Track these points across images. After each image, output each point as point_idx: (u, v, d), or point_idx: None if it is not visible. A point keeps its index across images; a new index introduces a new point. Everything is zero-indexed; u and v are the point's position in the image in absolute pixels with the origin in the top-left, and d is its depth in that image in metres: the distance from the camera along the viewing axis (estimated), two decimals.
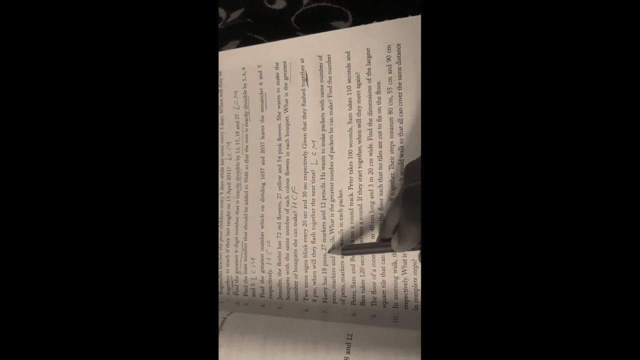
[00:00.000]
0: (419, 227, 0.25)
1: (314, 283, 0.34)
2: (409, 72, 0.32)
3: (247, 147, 0.36)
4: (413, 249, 0.27)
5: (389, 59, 0.32)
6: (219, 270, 0.37)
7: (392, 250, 0.29)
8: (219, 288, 0.37)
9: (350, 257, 0.32)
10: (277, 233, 0.35)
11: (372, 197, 0.33)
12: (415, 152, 0.32)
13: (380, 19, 0.32)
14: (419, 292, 0.31)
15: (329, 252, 0.33)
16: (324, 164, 0.34)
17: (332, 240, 0.33)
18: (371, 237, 0.33)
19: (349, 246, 0.32)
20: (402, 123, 0.32)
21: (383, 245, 0.30)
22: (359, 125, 0.33)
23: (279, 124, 0.35)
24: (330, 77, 0.34)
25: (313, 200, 0.34)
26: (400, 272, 0.32)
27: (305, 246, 0.34)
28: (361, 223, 0.33)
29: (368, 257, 0.32)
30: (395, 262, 0.32)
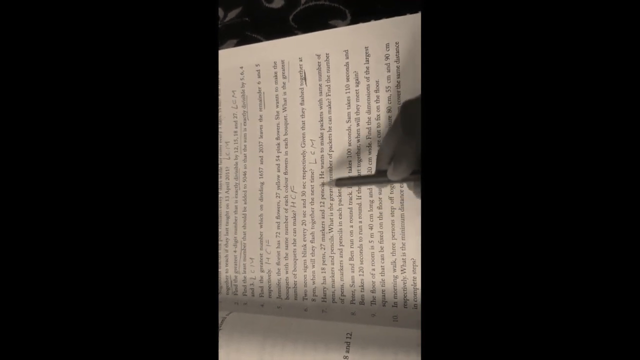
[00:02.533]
0: (414, 151, 0.24)
1: (313, 282, 0.34)
2: (408, 70, 0.32)
3: (245, 146, 0.36)
4: (407, 180, 0.26)
5: (387, 57, 0.32)
6: (218, 270, 0.37)
7: (387, 181, 0.27)
8: (218, 288, 0.37)
9: (347, 188, 0.32)
10: (276, 232, 0.35)
11: (371, 196, 0.32)
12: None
13: (378, 17, 0.32)
14: (419, 291, 0.31)
15: (324, 184, 0.33)
16: (323, 163, 0.34)
17: (331, 240, 0.33)
18: (368, 170, 0.32)
19: (342, 178, 0.31)
20: None
21: (378, 177, 0.28)
22: (358, 124, 0.33)
23: (278, 123, 0.35)
24: (328, 76, 0.34)
25: (312, 199, 0.34)
26: (399, 271, 0.32)
27: (305, 246, 0.34)
28: (360, 223, 0.33)
29: (367, 257, 0.32)
30: (395, 262, 0.32)
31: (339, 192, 0.33)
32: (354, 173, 0.33)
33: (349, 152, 0.33)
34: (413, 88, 0.31)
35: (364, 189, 0.33)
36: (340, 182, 0.31)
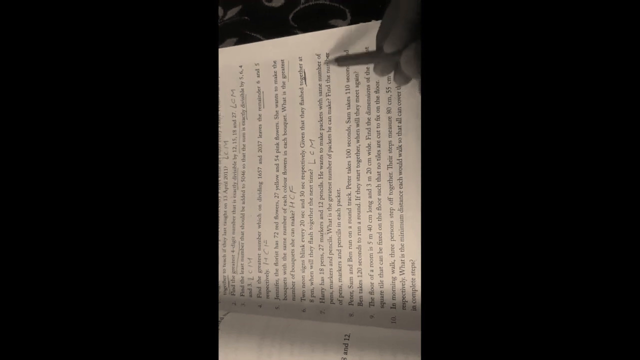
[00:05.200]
0: (413, 17, 0.24)
1: (312, 283, 0.34)
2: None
3: (244, 146, 0.36)
4: (406, 49, 0.25)
5: None
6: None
7: (386, 57, 0.27)
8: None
9: (345, 67, 0.32)
10: (275, 233, 0.35)
11: (371, 197, 0.32)
12: (414, 152, 0.31)
13: (378, 17, 0.32)
14: (417, 293, 0.31)
15: (325, 62, 0.33)
16: (322, 163, 0.34)
17: (330, 241, 0.33)
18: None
19: (343, 57, 0.31)
20: (400, 122, 0.32)
21: (377, 54, 0.28)
22: (358, 125, 0.33)
23: (277, 123, 0.35)
24: (328, 76, 0.33)
25: (311, 199, 0.34)
26: (398, 272, 0.31)
27: (303, 246, 0.34)
28: (359, 223, 0.33)
29: (366, 258, 0.32)
30: (394, 263, 0.32)
31: (338, 193, 0.33)
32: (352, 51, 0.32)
33: (348, 147, 0.33)
34: (413, 90, 0.31)
35: (364, 189, 0.32)
36: (341, 60, 0.31)
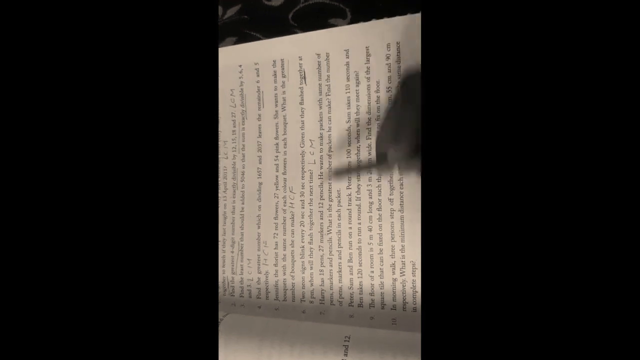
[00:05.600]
0: (414, 129, 0.23)
1: (311, 284, 0.33)
2: (409, 70, 0.31)
3: (243, 146, 0.36)
4: (408, 159, 0.25)
5: (388, 57, 0.32)
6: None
7: (387, 166, 0.27)
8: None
9: (345, 183, 0.31)
10: (274, 233, 0.35)
11: (371, 197, 0.32)
12: None
13: (379, 16, 0.32)
14: (418, 294, 0.31)
15: (322, 181, 0.32)
16: (322, 164, 0.34)
17: (330, 242, 0.33)
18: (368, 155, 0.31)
19: (340, 170, 0.31)
20: None
21: (379, 161, 0.28)
22: (358, 125, 0.33)
23: (276, 123, 0.35)
24: (328, 76, 0.33)
25: (311, 200, 0.34)
26: (398, 274, 0.31)
27: (303, 247, 0.34)
28: (359, 224, 0.32)
29: (366, 259, 0.32)
30: (394, 264, 0.31)
31: (338, 193, 0.33)
32: (353, 160, 0.32)
33: (348, 151, 0.33)
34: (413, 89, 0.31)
35: (364, 189, 0.32)
36: (339, 175, 0.30)
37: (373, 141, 0.31)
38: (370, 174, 0.32)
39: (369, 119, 0.32)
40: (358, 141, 0.33)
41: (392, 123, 0.26)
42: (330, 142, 0.33)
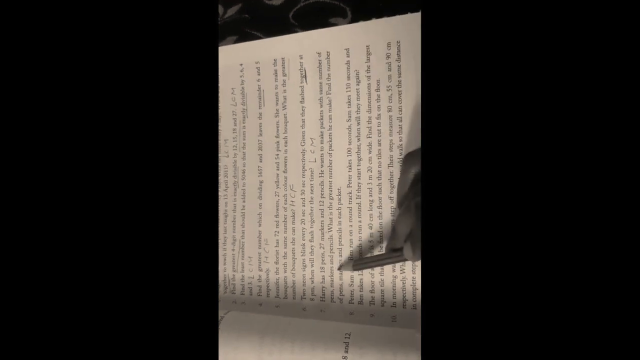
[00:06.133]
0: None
1: (312, 282, 0.33)
2: (409, 69, 0.31)
3: (244, 144, 0.36)
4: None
5: (388, 56, 0.32)
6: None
7: (404, 260, 0.28)
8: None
9: (360, 271, 0.32)
10: (275, 231, 0.35)
11: (371, 195, 0.32)
12: None
13: (379, 15, 0.32)
14: (417, 292, 0.31)
15: (339, 269, 0.33)
16: (323, 162, 0.34)
17: (330, 239, 0.33)
18: (379, 249, 0.32)
19: (359, 260, 0.32)
20: (401, 121, 0.32)
21: (395, 255, 0.29)
22: (358, 123, 0.33)
23: (277, 121, 0.35)
24: (329, 74, 0.33)
25: (311, 198, 0.34)
26: (398, 271, 0.31)
27: (303, 244, 0.34)
28: (360, 222, 0.32)
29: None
30: None
31: (338, 192, 0.33)
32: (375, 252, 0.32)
33: (349, 146, 0.33)
34: (414, 88, 0.31)
35: (364, 187, 0.32)
36: (358, 265, 0.31)
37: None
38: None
39: (370, 118, 0.32)
40: (358, 139, 0.33)
41: (407, 224, 0.28)
42: (330, 141, 0.33)
